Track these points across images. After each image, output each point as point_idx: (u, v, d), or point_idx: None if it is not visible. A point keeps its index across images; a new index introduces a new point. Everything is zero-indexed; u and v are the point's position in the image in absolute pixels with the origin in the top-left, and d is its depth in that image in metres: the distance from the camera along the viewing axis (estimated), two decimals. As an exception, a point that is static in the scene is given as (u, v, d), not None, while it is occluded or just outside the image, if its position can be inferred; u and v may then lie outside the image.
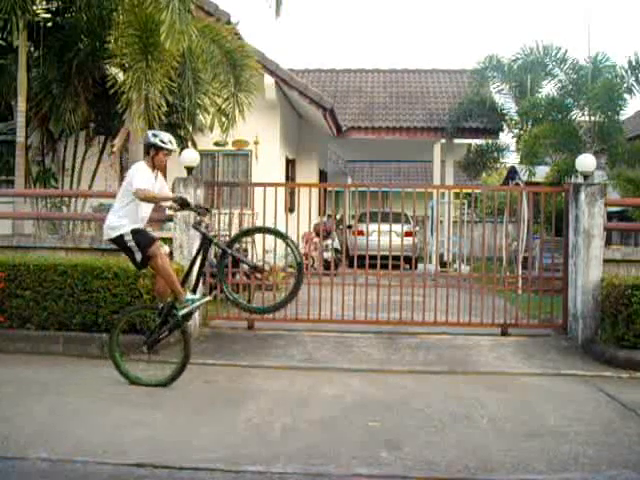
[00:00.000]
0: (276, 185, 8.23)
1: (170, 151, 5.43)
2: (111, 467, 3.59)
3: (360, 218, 13.71)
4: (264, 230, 6.42)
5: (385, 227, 8.27)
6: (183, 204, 5.20)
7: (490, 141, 16.29)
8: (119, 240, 5.27)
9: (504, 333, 7.34)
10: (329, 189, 9.48)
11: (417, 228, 12.52)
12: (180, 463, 3.63)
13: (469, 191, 11.92)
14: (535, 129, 13.13)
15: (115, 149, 10.07)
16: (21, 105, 8.98)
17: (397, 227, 8.72)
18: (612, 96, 12.23)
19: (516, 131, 15.03)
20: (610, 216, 11.93)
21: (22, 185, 9.21)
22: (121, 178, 11.98)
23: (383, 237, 7.82)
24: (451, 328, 7.39)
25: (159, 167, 5.46)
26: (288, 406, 4.80)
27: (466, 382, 5.70)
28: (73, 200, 10.59)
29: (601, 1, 41.08)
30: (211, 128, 10.20)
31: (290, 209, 12.31)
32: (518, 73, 14.46)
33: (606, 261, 6.94)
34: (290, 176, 14.64)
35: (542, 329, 7.49)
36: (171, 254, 7.84)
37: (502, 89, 15.49)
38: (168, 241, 7.37)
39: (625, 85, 12.59)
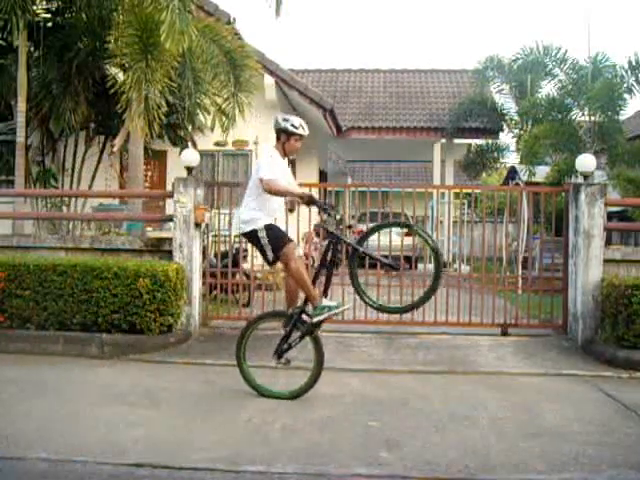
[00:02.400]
0: (276, 185, 8.21)
1: (302, 136, 5.06)
2: (110, 467, 3.58)
3: (360, 218, 13.71)
4: (394, 225, 6.05)
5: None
6: (310, 202, 4.84)
7: (490, 141, 16.31)
8: (252, 235, 4.97)
9: (504, 333, 7.34)
10: (329, 189, 9.45)
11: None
12: (180, 463, 3.63)
13: (469, 191, 11.91)
14: (535, 129, 13.14)
15: (115, 149, 10.07)
16: (21, 105, 8.98)
17: (397, 227, 8.68)
18: (612, 96, 12.23)
19: (516, 131, 15.04)
20: (610, 216, 11.90)
21: (22, 185, 9.21)
22: (121, 178, 12.02)
23: (383, 237, 7.81)
24: (451, 328, 7.39)
25: (290, 154, 5.13)
26: (288, 406, 4.80)
27: (466, 382, 5.70)
28: (73, 200, 10.60)
29: (601, 1, 41.07)
30: (212, 128, 10.21)
31: (290, 209, 12.31)
32: (518, 73, 14.47)
33: (606, 261, 6.93)
34: (290, 176, 14.63)
35: (542, 329, 7.49)
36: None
37: (502, 89, 15.51)
38: (168, 241, 7.39)
39: (625, 85, 12.59)
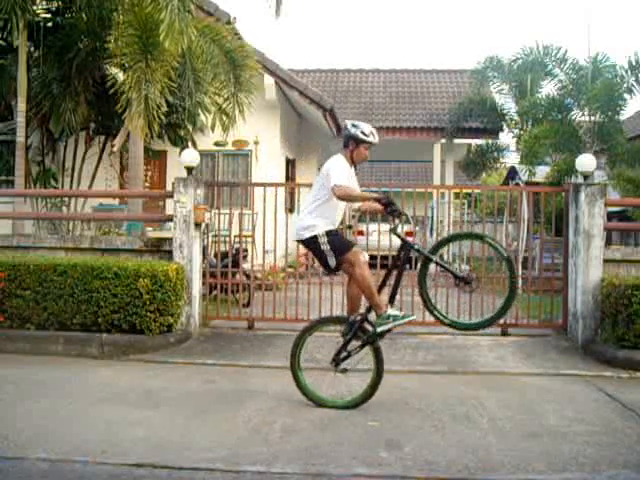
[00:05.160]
0: (276, 185, 8.23)
1: (372, 144, 4.87)
2: (110, 467, 3.58)
3: (360, 218, 13.71)
4: (474, 237, 5.73)
5: (385, 227, 8.26)
6: (388, 204, 4.56)
7: (490, 141, 16.29)
8: (312, 242, 4.75)
9: (504, 333, 7.34)
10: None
11: (417, 228, 12.51)
12: (180, 463, 3.62)
13: (469, 191, 11.90)
14: (535, 129, 13.12)
15: (115, 149, 10.08)
16: (21, 105, 8.98)
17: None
18: (612, 96, 12.21)
19: (516, 131, 15.02)
20: (610, 216, 11.93)
21: (22, 185, 9.21)
22: (121, 178, 12.03)
23: (383, 237, 7.81)
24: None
25: (358, 162, 4.93)
26: (288, 406, 4.79)
27: (466, 382, 5.70)
28: (73, 200, 10.60)
29: (601, 1, 41.07)
30: (212, 128, 10.21)
31: (290, 209, 12.33)
32: (518, 73, 14.45)
33: (606, 261, 6.93)
34: (290, 176, 14.65)
35: (542, 329, 7.49)
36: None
37: (502, 89, 15.48)
38: (168, 241, 7.40)
39: (625, 85, 12.57)
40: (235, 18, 10.97)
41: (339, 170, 4.70)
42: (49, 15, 10.05)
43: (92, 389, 5.20)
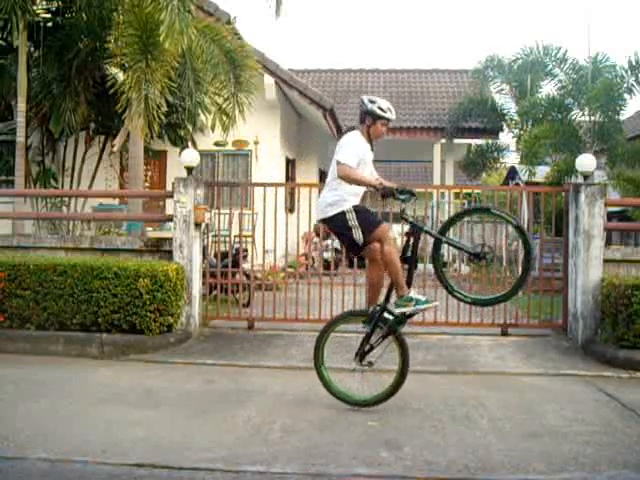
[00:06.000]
0: (276, 185, 8.23)
1: (389, 120, 4.72)
2: (110, 467, 3.58)
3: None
4: (480, 210, 5.66)
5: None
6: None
7: (490, 141, 16.30)
8: (338, 218, 4.56)
9: (504, 333, 7.34)
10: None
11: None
12: (180, 463, 3.62)
13: (469, 191, 11.92)
14: (535, 129, 13.13)
15: (115, 149, 10.08)
16: (21, 105, 8.98)
17: (397, 227, 8.68)
18: (612, 96, 12.22)
19: (516, 131, 15.03)
20: (610, 216, 11.92)
21: (22, 185, 9.22)
22: (121, 178, 12.03)
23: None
24: (451, 328, 7.39)
25: (375, 139, 4.76)
26: (288, 406, 4.79)
27: (466, 382, 5.70)
28: (73, 200, 10.60)
29: (601, 1, 41.08)
30: (212, 128, 10.21)
31: (290, 209, 12.32)
32: (518, 73, 14.47)
33: (606, 261, 6.93)
34: (290, 176, 14.65)
35: (542, 329, 7.49)
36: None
37: (502, 89, 15.51)
38: (168, 241, 7.40)
39: (625, 85, 12.58)
40: (235, 18, 10.97)
41: (351, 148, 4.56)
42: (49, 15, 10.05)
43: (92, 389, 5.20)
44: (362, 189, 4.80)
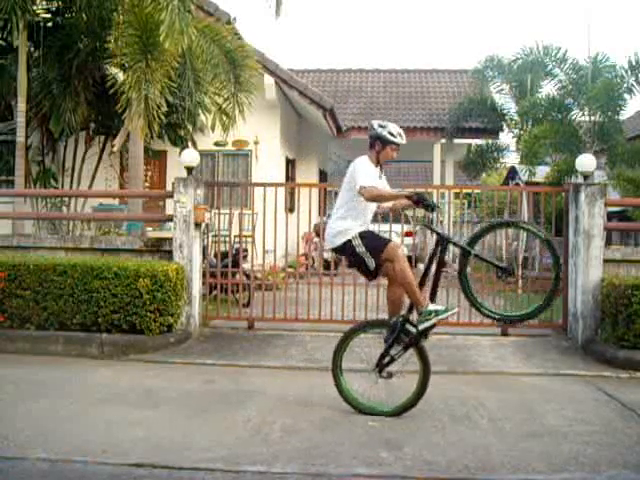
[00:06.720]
0: (276, 185, 8.22)
1: (398, 145, 4.70)
2: (111, 467, 3.58)
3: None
4: (509, 224, 5.67)
5: (385, 227, 8.26)
6: (419, 201, 4.35)
7: (490, 141, 16.30)
8: (346, 247, 4.59)
9: (504, 333, 7.34)
10: (329, 189, 9.46)
11: (417, 228, 12.50)
12: (180, 463, 3.62)
13: (469, 191, 11.93)
14: (535, 129, 13.13)
15: (115, 149, 10.07)
16: (21, 105, 8.98)
17: (397, 227, 8.69)
18: (612, 96, 12.23)
19: (516, 131, 15.03)
20: (610, 216, 11.91)
21: (22, 185, 9.21)
22: (121, 178, 12.03)
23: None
24: (451, 328, 7.37)
25: (384, 163, 4.77)
26: (288, 406, 4.79)
27: (466, 382, 5.70)
28: (73, 200, 10.60)
29: (601, 1, 41.08)
30: (212, 128, 10.20)
31: (290, 209, 12.32)
32: (518, 73, 14.47)
33: (606, 261, 6.93)
34: (290, 176, 14.65)
35: (542, 329, 7.48)
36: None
37: (502, 89, 15.50)
38: (168, 241, 7.40)
39: (625, 85, 12.58)
40: (235, 18, 10.97)
41: (364, 171, 4.56)
42: (49, 15, 10.04)
43: (92, 389, 5.20)
44: (370, 217, 4.81)
